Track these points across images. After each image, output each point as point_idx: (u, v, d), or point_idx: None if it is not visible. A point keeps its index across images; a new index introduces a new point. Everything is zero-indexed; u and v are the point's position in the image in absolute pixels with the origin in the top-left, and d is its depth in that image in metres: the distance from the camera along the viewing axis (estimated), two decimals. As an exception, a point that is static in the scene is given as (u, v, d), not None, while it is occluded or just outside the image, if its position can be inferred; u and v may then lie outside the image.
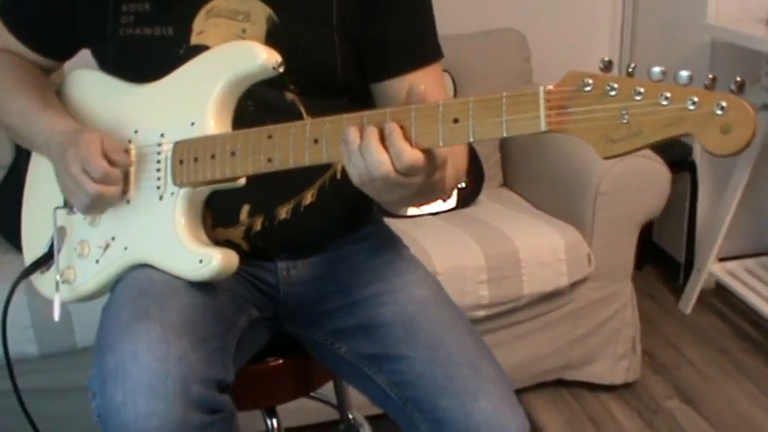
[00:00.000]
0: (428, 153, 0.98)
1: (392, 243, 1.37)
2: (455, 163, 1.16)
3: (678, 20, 2.74)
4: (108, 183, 1.13)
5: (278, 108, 1.20)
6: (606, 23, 2.99)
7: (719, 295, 2.78)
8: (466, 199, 2.39)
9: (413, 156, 0.96)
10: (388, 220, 1.44)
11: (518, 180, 2.57)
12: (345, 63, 1.23)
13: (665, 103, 0.83)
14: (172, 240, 1.15)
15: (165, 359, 1.03)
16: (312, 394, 1.59)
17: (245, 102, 1.18)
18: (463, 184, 2.38)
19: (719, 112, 0.81)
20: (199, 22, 1.19)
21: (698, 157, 2.68)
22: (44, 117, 1.22)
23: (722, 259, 2.71)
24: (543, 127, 0.90)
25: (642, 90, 0.84)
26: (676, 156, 2.64)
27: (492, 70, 2.59)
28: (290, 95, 1.21)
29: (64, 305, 1.26)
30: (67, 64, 1.37)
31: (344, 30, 1.22)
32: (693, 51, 2.64)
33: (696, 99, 0.82)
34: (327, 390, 1.58)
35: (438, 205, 2.35)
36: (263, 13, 1.20)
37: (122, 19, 1.20)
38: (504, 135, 0.92)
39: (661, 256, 2.98)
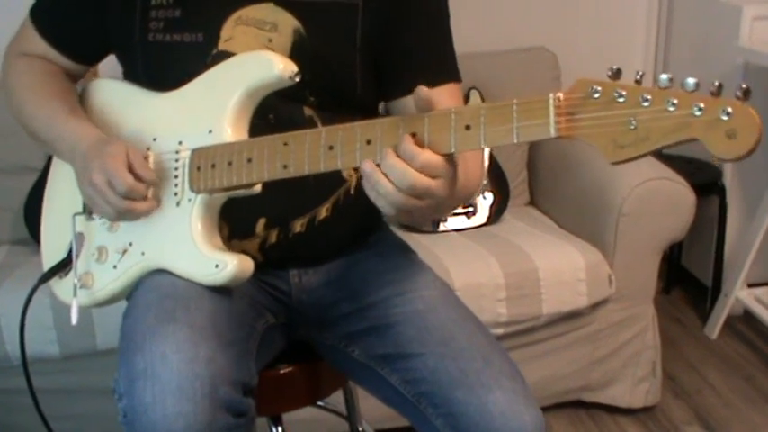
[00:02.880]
0: (446, 156, 0.99)
1: (400, 249, 1.40)
2: (467, 171, 1.16)
3: (711, 42, 2.72)
4: (133, 198, 1.15)
5: (297, 122, 1.22)
6: (639, 45, 2.97)
7: (747, 321, 2.74)
8: (493, 215, 2.39)
9: (424, 155, 0.97)
10: (409, 235, 1.46)
11: (544, 199, 2.57)
12: (364, 82, 1.26)
13: (671, 109, 0.85)
14: (188, 246, 1.17)
15: (194, 361, 1.04)
16: (322, 404, 1.61)
17: (266, 115, 1.21)
18: (487, 198, 2.39)
19: (725, 117, 0.83)
20: (227, 29, 1.22)
21: (727, 181, 2.65)
22: (70, 123, 1.25)
23: (751, 285, 2.68)
24: (553, 133, 0.92)
25: (649, 97, 0.87)
26: (705, 179, 2.62)
27: (522, 88, 2.58)
28: (308, 111, 1.24)
29: (84, 309, 1.28)
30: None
31: (367, 49, 1.25)
32: (726, 73, 2.61)
33: (702, 105, 0.84)
34: (338, 401, 1.59)
35: (465, 221, 2.36)
36: (290, 25, 1.23)
37: (151, 25, 1.23)
38: (515, 141, 0.95)
39: (689, 280, 2.95)
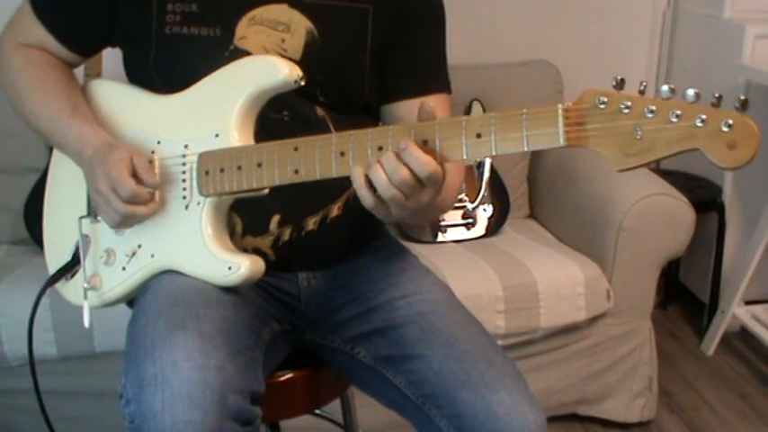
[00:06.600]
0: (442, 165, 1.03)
1: (403, 253, 1.42)
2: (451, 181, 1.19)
3: (713, 60, 2.73)
4: (137, 202, 1.17)
5: (310, 122, 1.26)
6: (641, 60, 2.98)
7: (743, 339, 2.74)
8: (493, 227, 2.40)
9: (433, 165, 1.01)
10: (409, 245, 1.47)
11: (544, 212, 2.58)
12: (372, 84, 1.30)
13: (675, 120, 0.89)
14: (200, 249, 1.18)
15: (204, 369, 1.04)
16: (319, 412, 1.61)
17: (281, 111, 1.23)
18: (487, 210, 2.39)
19: (726, 128, 0.87)
20: (241, 28, 1.24)
21: (727, 198, 2.66)
22: (74, 126, 1.24)
23: (748, 302, 2.68)
24: (562, 142, 0.95)
25: (654, 108, 0.90)
26: (705, 196, 2.63)
27: (524, 101, 2.59)
28: (320, 111, 1.27)
29: (93, 310, 1.28)
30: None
31: (376, 53, 1.29)
32: (728, 92, 2.58)
33: (704, 117, 0.88)
34: (335, 410, 1.59)
35: (465, 233, 2.37)
36: (303, 26, 1.25)
37: (168, 18, 1.24)
38: (525, 149, 0.98)
39: (686, 296, 2.96)
